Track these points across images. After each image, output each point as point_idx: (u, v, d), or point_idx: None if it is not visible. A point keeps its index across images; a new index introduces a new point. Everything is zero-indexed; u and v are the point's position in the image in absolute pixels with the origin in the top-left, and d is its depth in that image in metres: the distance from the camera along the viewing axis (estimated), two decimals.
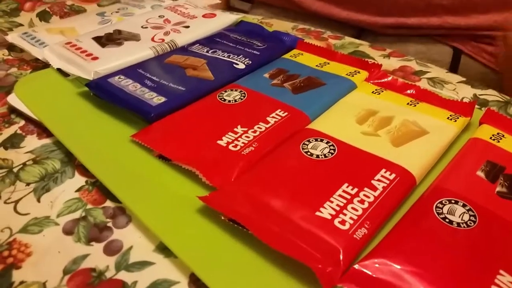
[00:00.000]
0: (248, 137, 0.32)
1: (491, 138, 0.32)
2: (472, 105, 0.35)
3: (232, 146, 0.31)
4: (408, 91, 0.37)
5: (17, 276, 0.25)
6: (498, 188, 0.28)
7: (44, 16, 0.57)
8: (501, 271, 0.22)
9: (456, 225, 0.25)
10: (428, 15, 0.61)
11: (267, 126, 0.33)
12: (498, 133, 0.33)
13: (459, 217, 0.26)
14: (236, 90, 0.37)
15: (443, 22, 0.61)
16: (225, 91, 0.37)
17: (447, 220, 0.25)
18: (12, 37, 0.47)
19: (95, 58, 0.42)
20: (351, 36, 0.52)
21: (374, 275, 0.22)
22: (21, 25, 0.55)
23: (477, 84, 0.43)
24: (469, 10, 0.59)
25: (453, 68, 0.64)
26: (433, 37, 0.64)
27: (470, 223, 0.25)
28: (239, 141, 0.31)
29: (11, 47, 0.49)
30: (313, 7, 0.66)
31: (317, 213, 0.25)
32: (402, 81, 0.38)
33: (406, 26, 0.63)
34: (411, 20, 0.62)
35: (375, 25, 0.64)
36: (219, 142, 0.31)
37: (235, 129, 0.32)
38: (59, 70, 0.42)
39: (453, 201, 0.27)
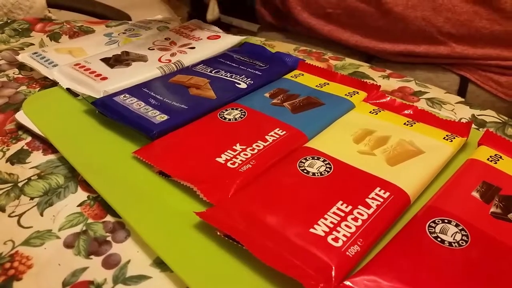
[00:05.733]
0: (246, 154, 0.32)
1: (488, 159, 0.33)
2: (468, 126, 0.36)
3: (230, 164, 0.31)
4: (406, 111, 0.38)
5: (17, 287, 0.26)
6: (493, 209, 0.28)
7: (54, 36, 0.59)
8: None
9: (448, 244, 0.25)
10: (437, 44, 0.62)
11: (265, 144, 0.33)
12: (495, 155, 0.33)
13: (451, 236, 0.26)
14: (236, 109, 0.38)
15: (451, 51, 0.62)
16: (226, 110, 0.38)
17: (439, 239, 0.26)
18: (22, 57, 0.49)
19: (104, 78, 0.43)
20: None
21: None
22: (32, 44, 0.57)
23: (475, 104, 0.44)
24: (476, 40, 0.60)
25: (460, 96, 0.64)
26: (441, 65, 0.65)
27: (462, 242, 0.26)
28: (237, 158, 0.32)
29: (21, 66, 0.50)
30: (324, 31, 0.67)
31: (311, 230, 0.26)
32: (400, 102, 0.39)
33: (415, 54, 0.63)
34: (420, 49, 0.63)
35: (384, 52, 0.65)
36: (217, 159, 0.32)
37: (234, 147, 0.33)
38: (68, 90, 0.43)
39: (446, 221, 0.27)
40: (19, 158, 0.36)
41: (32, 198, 0.32)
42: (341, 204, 0.28)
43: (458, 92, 0.64)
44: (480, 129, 0.40)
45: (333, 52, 0.56)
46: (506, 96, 0.64)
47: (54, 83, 0.44)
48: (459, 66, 0.64)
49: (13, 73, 0.49)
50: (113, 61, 0.46)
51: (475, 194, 0.29)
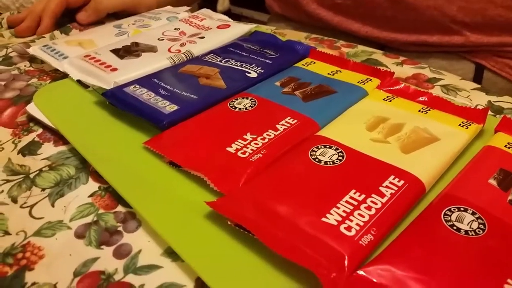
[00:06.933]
0: (257, 144, 0.32)
1: (506, 146, 0.32)
2: (484, 112, 0.35)
3: (241, 153, 0.31)
4: (420, 98, 0.37)
5: (29, 277, 0.26)
6: (510, 197, 0.27)
7: (64, 29, 0.59)
8: (509, 280, 0.22)
9: (464, 233, 0.25)
10: (450, 33, 0.60)
11: (276, 133, 0.33)
12: None
13: (468, 225, 0.25)
14: (247, 98, 0.38)
15: (465, 40, 0.60)
16: (236, 99, 0.38)
17: (455, 227, 0.25)
18: (33, 49, 0.49)
19: (114, 69, 0.43)
20: None
21: (377, 281, 0.22)
22: (43, 37, 0.57)
23: (492, 91, 0.42)
24: (491, 29, 0.59)
25: (476, 83, 0.63)
26: (456, 53, 0.63)
27: (479, 231, 0.25)
28: (248, 148, 0.32)
29: (32, 59, 0.50)
30: (333, 22, 0.66)
31: (323, 219, 0.25)
32: (414, 88, 0.38)
33: (428, 44, 0.62)
34: (433, 38, 0.61)
35: (395, 42, 0.63)
36: (228, 149, 0.32)
37: (245, 136, 0.33)
38: (79, 81, 0.43)
39: (462, 209, 0.26)
40: (30, 149, 0.36)
41: (43, 189, 0.32)
42: (354, 193, 0.27)
43: (474, 79, 0.63)
44: (497, 115, 0.39)
45: (345, 41, 0.55)
46: None
47: (65, 75, 0.44)
48: (474, 53, 0.62)
49: (24, 65, 0.49)
50: (123, 52, 0.46)
51: (492, 181, 0.28)
